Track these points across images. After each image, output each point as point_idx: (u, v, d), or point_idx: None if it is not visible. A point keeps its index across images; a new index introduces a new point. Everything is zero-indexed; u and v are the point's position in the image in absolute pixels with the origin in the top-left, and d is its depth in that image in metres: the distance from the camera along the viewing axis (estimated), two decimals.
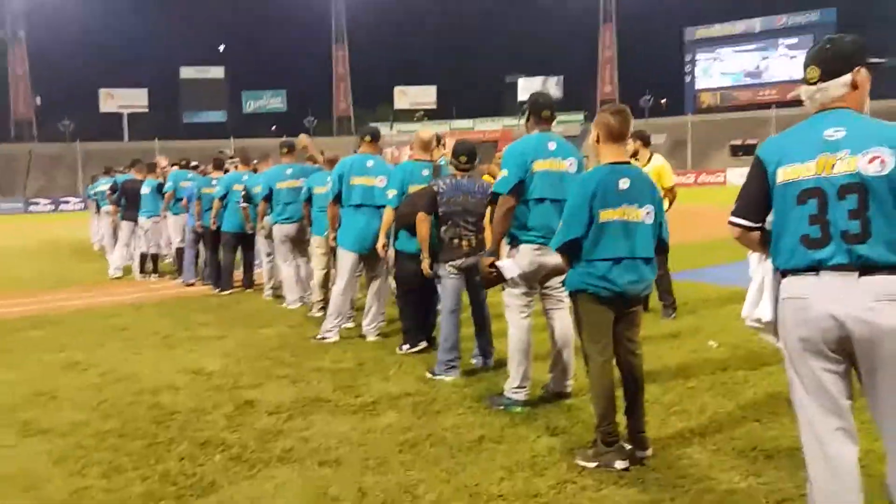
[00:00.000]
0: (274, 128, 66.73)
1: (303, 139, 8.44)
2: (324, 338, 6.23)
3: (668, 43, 68.14)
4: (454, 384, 4.82)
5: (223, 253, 9.39)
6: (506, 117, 63.74)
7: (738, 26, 63.15)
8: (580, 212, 3.43)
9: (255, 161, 9.63)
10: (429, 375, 5.10)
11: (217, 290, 9.27)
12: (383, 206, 5.86)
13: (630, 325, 3.56)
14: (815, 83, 2.45)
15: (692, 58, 64.35)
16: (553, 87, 67.97)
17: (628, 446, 3.47)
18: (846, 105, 2.43)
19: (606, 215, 3.41)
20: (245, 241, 9.32)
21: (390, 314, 6.57)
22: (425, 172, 5.79)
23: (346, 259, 6.27)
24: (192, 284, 9.97)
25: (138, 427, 4.23)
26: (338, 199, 6.30)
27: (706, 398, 4.34)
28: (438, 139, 6.76)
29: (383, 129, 60.79)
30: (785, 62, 60.96)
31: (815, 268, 2.32)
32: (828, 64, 2.44)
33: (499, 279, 4.35)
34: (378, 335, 6.26)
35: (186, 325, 7.24)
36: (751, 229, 2.53)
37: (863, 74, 2.43)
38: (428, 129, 6.28)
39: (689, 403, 4.25)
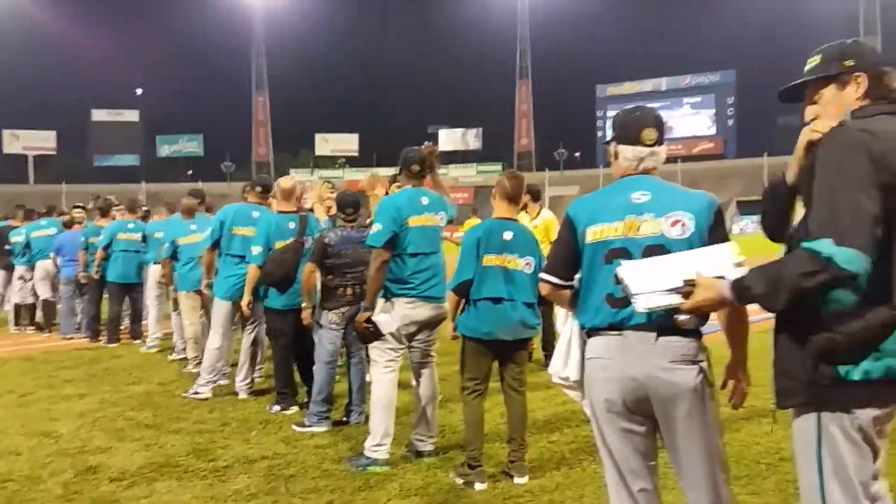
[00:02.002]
0: (190, 172, 65.30)
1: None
2: (196, 393, 5.96)
3: (581, 99, 71.12)
4: (316, 445, 4.65)
5: (110, 304, 9.02)
6: None
7: (646, 85, 66.51)
8: (469, 256, 3.92)
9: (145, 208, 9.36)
10: (297, 429, 4.96)
11: (101, 342, 8.90)
12: None
13: (512, 364, 4.05)
14: (651, 146, 2.46)
15: (604, 113, 67.14)
16: (472, 138, 69.59)
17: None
18: (654, 172, 2.49)
19: (489, 260, 3.91)
20: (132, 290, 8.96)
21: (267, 370, 6.36)
22: (291, 225, 5.60)
23: (221, 309, 6.04)
24: (70, 338, 9.45)
25: None
26: (215, 247, 6.10)
27: (566, 453, 4.34)
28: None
29: (304, 175, 60.51)
30: (689, 119, 64.51)
31: (617, 327, 2.34)
32: (661, 130, 2.49)
33: (375, 334, 4.28)
34: (251, 393, 6.01)
35: (50, 382, 6.79)
36: (560, 287, 2.53)
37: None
38: (290, 178, 6.03)
39: (548, 458, 4.25)
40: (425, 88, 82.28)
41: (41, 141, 66.99)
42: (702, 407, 2.30)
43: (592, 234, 2.42)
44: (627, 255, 2.35)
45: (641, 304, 2.11)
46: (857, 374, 1.88)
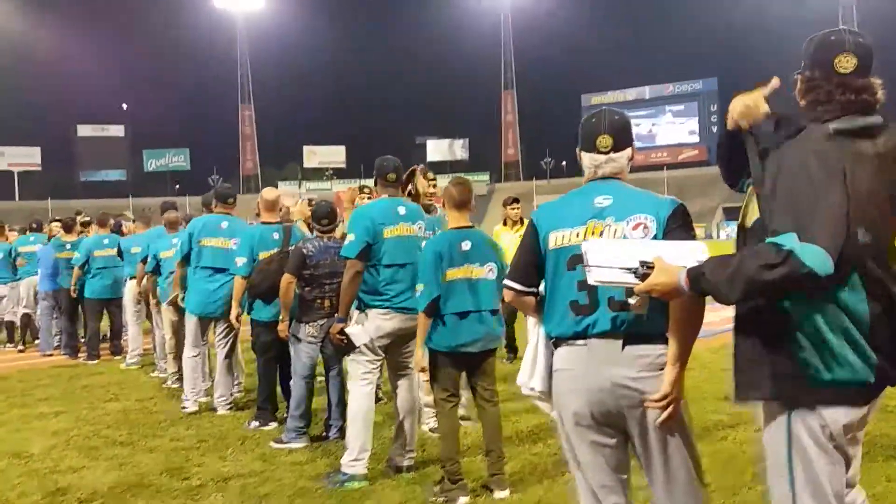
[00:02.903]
0: (177, 186, 65.02)
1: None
2: (184, 407, 5.92)
3: (566, 108, 71.42)
4: (294, 461, 4.54)
5: (89, 321, 8.87)
6: None
7: (630, 93, 66.92)
8: (434, 272, 3.79)
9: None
10: (275, 445, 4.86)
11: (81, 359, 8.75)
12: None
13: (482, 375, 3.98)
14: (607, 153, 2.39)
15: None
16: (459, 148, 69.84)
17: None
18: (619, 177, 2.43)
19: (452, 274, 3.81)
20: (109, 305, 8.81)
21: (249, 384, 6.25)
22: (276, 236, 5.52)
23: (191, 323, 5.98)
24: (49, 355, 9.29)
25: None
26: (186, 260, 6.01)
27: (548, 465, 4.25)
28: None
29: (292, 187, 60.28)
30: (672, 127, 64.95)
31: (582, 335, 2.27)
32: (619, 135, 2.40)
33: (349, 346, 4.21)
34: (230, 408, 5.90)
35: (24, 401, 6.64)
36: (523, 293, 2.46)
37: (633, 150, 2.46)
38: (273, 190, 6.01)
39: (529, 471, 4.17)
40: (412, 100, 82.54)
41: (26, 157, 66.56)
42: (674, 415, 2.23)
43: (555, 239, 2.36)
44: None
45: (593, 277, 2.05)
46: (826, 377, 1.85)
